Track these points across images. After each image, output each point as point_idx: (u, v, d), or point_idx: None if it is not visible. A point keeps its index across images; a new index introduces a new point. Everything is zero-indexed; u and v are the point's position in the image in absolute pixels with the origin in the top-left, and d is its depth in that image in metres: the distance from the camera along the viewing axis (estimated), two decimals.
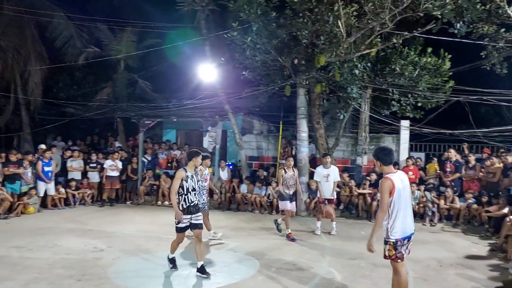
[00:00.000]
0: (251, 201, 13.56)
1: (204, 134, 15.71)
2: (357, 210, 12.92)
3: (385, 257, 5.27)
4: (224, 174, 14.60)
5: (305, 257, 8.17)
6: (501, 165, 11.87)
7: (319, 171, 10.61)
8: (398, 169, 13.21)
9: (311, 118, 13.64)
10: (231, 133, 15.86)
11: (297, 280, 6.71)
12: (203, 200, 9.12)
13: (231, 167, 15.45)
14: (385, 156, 5.30)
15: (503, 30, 11.48)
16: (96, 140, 18.93)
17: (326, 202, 10.45)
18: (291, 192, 9.82)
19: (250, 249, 8.74)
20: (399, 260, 5.18)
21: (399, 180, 5.18)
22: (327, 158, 10.63)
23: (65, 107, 17.81)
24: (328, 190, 10.42)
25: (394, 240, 5.14)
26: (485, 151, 13.53)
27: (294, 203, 9.98)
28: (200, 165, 9.07)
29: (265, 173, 14.66)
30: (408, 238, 5.22)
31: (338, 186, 12.63)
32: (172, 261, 7.09)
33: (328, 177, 10.40)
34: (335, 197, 10.79)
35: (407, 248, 5.23)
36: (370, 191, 12.65)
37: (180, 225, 6.71)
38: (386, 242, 5.21)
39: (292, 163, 10.21)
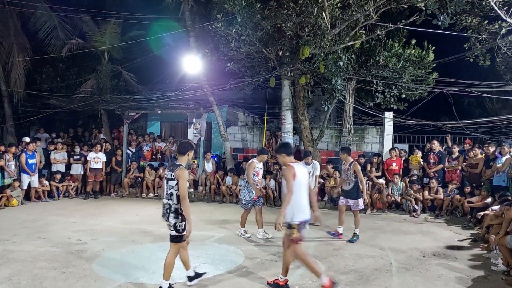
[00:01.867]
0: (236, 193, 13.58)
1: (189, 126, 15.61)
2: None
3: (291, 240, 5.68)
4: (209, 166, 14.60)
5: None
6: (483, 156, 12.04)
7: None
8: (382, 160, 13.55)
9: (295, 109, 13.68)
10: (216, 125, 15.83)
11: (281, 271, 6.73)
12: (249, 197, 8.94)
13: (215, 159, 15.44)
14: (287, 149, 6.09)
15: (486, 22, 11.59)
16: (80, 132, 18.77)
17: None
18: (349, 187, 9.20)
19: (235, 240, 8.77)
20: (300, 242, 5.69)
21: (300, 169, 5.88)
22: (309, 158, 11.19)
23: (48, 99, 17.62)
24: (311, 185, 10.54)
25: (297, 223, 5.64)
26: (467, 142, 13.68)
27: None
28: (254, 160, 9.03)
29: None
30: (306, 222, 5.79)
31: (322, 177, 12.87)
32: None
33: (310, 174, 10.73)
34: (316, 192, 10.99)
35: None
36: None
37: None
38: (290, 226, 5.67)
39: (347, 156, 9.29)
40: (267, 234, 8.97)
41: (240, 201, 9.16)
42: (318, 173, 11.24)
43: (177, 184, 5.53)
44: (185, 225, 5.61)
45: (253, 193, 8.91)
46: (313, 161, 11.26)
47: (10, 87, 16.85)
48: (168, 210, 5.59)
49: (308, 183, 6.02)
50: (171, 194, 5.57)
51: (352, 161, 9.16)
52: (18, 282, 6.08)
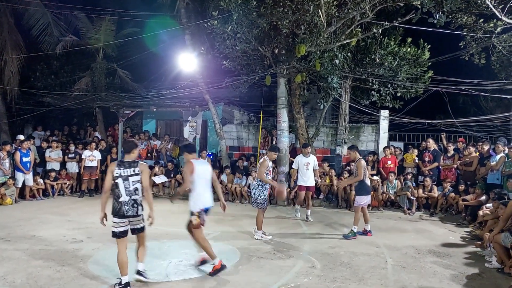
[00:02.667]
0: (232, 191, 13.57)
1: (184, 124, 15.60)
2: (336, 199, 13.02)
3: (193, 226, 6.44)
4: None
5: (285, 246, 8.21)
6: (478, 154, 12.08)
7: (299, 159, 11.09)
8: (378, 158, 13.57)
9: (291, 108, 13.67)
10: (212, 123, 15.81)
11: (277, 269, 6.74)
12: (264, 195, 8.71)
13: (211, 157, 15.41)
14: (189, 148, 6.83)
15: (481, 20, 11.59)
16: (75, 130, 18.68)
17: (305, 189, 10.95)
18: (355, 184, 9.53)
19: (231, 238, 8.76)
20: (202, 226, 6.49)
21: (200, 165, 6.64)
22: (308, 149, 11.10)
23: (42, 97, 17.49)
24: (308, 177, 10.89)
25: (199, 210, 6.42)
26: (460, 140, 13.72)
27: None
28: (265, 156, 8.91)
29: (245, 163, 14.66)
30: (206, 210, 6.56)
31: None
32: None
33: (308, 166, 10.91)
34: (314, 184, 11.25)
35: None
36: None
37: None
38: (192, 214, 6.44)
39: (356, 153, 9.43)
40: (265, 236, 8.81)
41: (255, 201, 8.77)
42: (316, 167, 11.30)
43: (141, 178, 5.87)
44: None
45: (266, 191, 8.76)
46: (311, 154, 11.30)
47: (4, 84, 16.75)
48: (135, 205, 5.82)
49: (210, 177, 6.78)
50: (136, 189, 5.83)
51: (359, 158, 9.28)
52: (12, 280, 6.04)
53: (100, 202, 5.92)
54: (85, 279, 6.16)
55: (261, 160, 8.87)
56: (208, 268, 6.58)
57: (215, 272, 6.37)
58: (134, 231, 5.93)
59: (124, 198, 5.77)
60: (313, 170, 11.06)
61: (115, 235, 5.82)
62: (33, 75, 18.73)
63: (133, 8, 16.68)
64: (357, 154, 9.37)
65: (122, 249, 5.82)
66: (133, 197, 5.79)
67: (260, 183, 8.71)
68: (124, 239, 5.85)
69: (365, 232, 9.23)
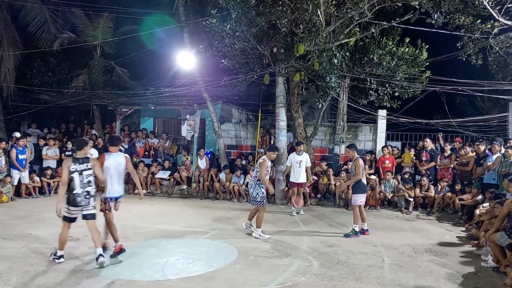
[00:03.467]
0: (230, 189, 13.58)
1: (182, 123, 15.54)
2: (334, 199, 13.04)
3: (100, 210, 7.07)
4: (203, 163, 14.54)
5: (283, 245, 8.21)
6: (474, 154, 12.12)
7: (293, 157, 11.67)
8: (375, 157, 13.60)
9: (289, 107, 13.67)
10: (210, 122, 15.77)
11: (275, 268, 6.75)
12: (262, 193, 8.66)
13: (209, 155, 15.40)
14: (113, 141, 7.41)
15: (479, 21, 11.62)
16: (72, 128, 18.61)
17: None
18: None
19: (229, 237, 8.76)
20: (107, 211, 7.13)
21: (113, 158, 7.15)
22: (301, 147, 11.76)
23: (39, 94, 17.44)
24: (301, 175, 11.51)
25: (103, 198, 7.08)
26: (457, 140, 13.75)
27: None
28: (264, 156, 8.94)
29: (243, 162, 14.66)
30: (115, 198, 7.17)
31: (316, 174, 12.97)
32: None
33: (301, 163, 11.50)
34: (305, 181, 11.82)
35: (114, 205, 7.19)
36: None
37: None
38: (101, 199, 7.09)
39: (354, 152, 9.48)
40: (264, 235, 8.78)
41: (254, 199, 8.74)
42: (309, 164, 11.90)
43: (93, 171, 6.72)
44: None
45: (264, 188, 8.68)
46: (304, 152, 11.79)
47: (0, 81, 16.64)
48: (88, 196, 6.66)
49: (123, 170, 7.26)
50: (89, 181, 6.67)
51: (357, 157, 9.35)
52: (8, 279, 6.02)
53: (59, 194, 6.67)
54: (82, 277, 6.15)
55: (261, 160, 8.75)
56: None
57: (116, 253, 6.99)
58: (85, 216, 6.72)
59: (78, 190, 6.56)
60: (305, 167, 11.65)
61: (66, 219, 6.71)
62: (30, 72, 18.61)
63: (131, 6, 16.59)
64: (355, 153, 9.43)
65: (65, 230, 6.79)
66: (86, 189, 6.60)
67: (258, 182, 8.68)
68: (70, 224, 6.76)
69: (362, 231, 9.25)
